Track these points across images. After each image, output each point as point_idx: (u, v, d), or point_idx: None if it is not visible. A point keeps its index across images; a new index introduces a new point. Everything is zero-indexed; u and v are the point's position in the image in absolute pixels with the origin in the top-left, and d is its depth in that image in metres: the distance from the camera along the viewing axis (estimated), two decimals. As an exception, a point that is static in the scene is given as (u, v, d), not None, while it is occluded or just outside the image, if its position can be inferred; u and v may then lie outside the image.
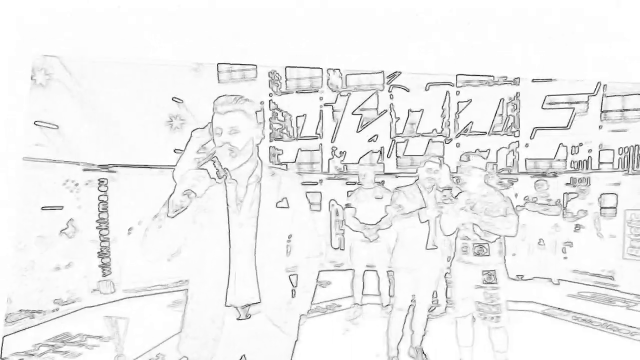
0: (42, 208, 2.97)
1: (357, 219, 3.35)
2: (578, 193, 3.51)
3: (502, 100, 3.54)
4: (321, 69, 3.37)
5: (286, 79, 3.59)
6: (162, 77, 3.12)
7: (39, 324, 2.84)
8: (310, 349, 2.89)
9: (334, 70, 3.37)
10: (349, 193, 3.50)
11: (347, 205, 3.40)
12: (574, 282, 3.45)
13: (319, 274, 2.11)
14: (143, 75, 3.04)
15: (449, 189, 2.79)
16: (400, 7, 2.83)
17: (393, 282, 2.92)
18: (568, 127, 3.41)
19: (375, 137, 3.63)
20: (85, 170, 3.07)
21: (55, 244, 2.98)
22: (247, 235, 1.92)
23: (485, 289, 2.62)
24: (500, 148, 3.66)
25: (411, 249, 2.86)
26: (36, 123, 2.92)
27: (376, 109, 3.66)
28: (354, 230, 3.38)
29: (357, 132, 3.63)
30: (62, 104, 3.00)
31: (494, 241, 2.64)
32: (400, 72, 3.31)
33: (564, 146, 3.51)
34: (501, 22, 2.88)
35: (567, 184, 3.52)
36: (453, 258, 2.75)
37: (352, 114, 3.61)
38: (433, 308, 2.96)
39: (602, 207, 3.42)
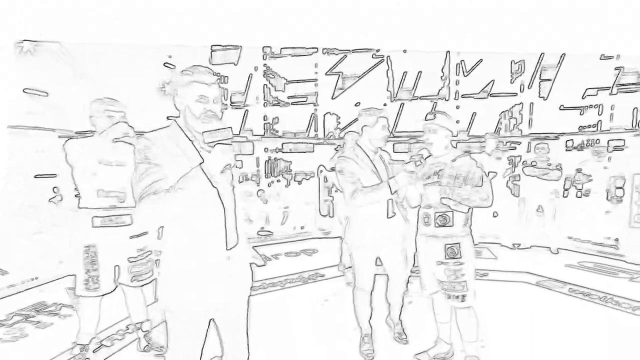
0: (35, 176, 3.00)
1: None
2: (593, 155, 3.25)
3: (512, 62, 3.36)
4: (317, 48, 3.25)
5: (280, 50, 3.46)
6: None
7: (17, 293, 2.87)
8: (291, 319, 2.83)
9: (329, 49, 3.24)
10: (332, 157, 3.37)
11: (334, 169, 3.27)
12: (575, 252, 3.23)
13: None
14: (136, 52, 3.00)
15: (420, 154, 2.48)
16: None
17: (352, 260, 2.51)
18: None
19: (358, 103, 3.47)
20: (60, 137, 3.05)
21: (42, 212, 3.01)
22: None
23: (448, 265, 2.33)
24: (510, 108, 3.44)
25: (370, 223, 2.45)
26: (25, 91, 2.92)
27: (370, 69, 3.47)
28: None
29: (333, 98, 3.47)
30: (51, 71, 2.98)
31: (467, 212, 2.34)
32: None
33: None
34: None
35: (567, 150, 3.27)
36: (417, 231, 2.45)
37: (326, 74, 3.44)
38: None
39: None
